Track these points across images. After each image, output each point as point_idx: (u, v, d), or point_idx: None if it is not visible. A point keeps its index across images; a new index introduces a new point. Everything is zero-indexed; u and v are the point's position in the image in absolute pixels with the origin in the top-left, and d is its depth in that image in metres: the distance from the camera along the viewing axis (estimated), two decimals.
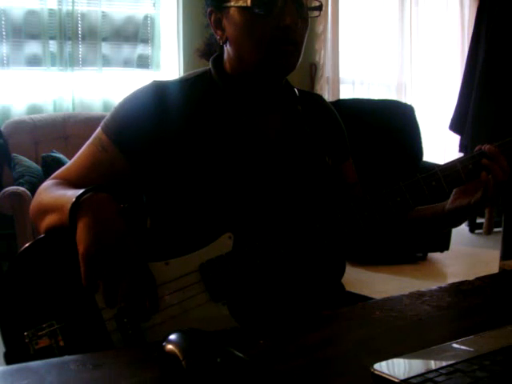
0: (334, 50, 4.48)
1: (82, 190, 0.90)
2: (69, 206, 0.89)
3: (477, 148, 1.00)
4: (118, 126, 1.03)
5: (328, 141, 1.14)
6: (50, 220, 0.97)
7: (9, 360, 0.91)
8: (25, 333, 0.90)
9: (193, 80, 1.08)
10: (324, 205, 1.03)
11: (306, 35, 1.03)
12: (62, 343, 0.90)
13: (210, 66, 1.09)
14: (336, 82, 4.54)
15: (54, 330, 0.90)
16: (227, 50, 1.06)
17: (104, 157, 1.03)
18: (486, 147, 0.99)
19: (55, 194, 0.98)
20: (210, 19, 1.06)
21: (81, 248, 0.85)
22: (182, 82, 1.08)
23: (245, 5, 0.98)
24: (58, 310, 0.91)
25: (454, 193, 1.03)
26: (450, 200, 1.05)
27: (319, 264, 1.04)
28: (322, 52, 4.44)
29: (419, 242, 1.20)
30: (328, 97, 4.42)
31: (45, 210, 0.99)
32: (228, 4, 1.01)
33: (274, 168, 1.04)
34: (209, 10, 1.05)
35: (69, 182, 1.03)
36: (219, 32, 1.05)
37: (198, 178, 0.99)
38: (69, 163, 1.08)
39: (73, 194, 0.91)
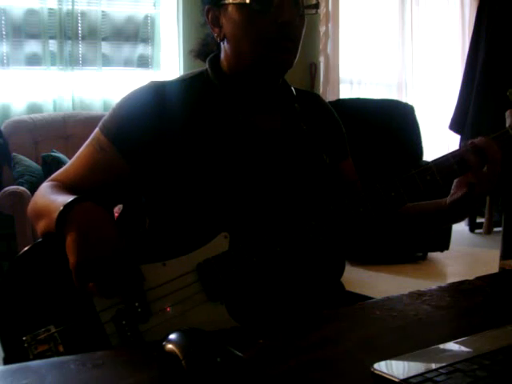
0: (334, 50, 4.48)
1: (69, 199, 0.90)
2: (56, 214, 0.89)
3: (469, 141, 1.01)
4: (117, 126, 1.03)
5: (326, 139, 1.14)
6: (42, 225, 0.97)
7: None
8: (23, 337, 0.90)
9: (190, 80, 1.08)
10: (320, 202, 1.03)
11: (303, 32, 1.03)
12: (61, 347, 0.90)
13: (207, 65, 1.09)
14: (336, 81, 4.54)
15: (52, 334, 0.90)
16: (224, 47, 1.06)
17: (102, 157, 1.03)
18: (479, 140, 0.99)
19: (48, 198, 0.98)
20: (208, 17, 1.06)
21: (71, 258, 0.85)
22: (180, 82, 1.08)
23: (243, 2, 0.98)
24: (56, 313, 0.91)
25: (453, 186, 1.04)
26: (450, 194, 1.05)
27: (317, 262, 1.04)
28: (323, 52, 4.43)
29: (421, 240, 1.20)
30: (328, 96, 4.42)
31: (38, 214, 0.99)
32: (226, 1, 1.01)
33: (270, 166, 1.04)
34: (206, 7, 1.06)
35: (67, 184, 1.03)
36: (216, 29, 1.05)
37: (195, 178, 0.99)
38: (67, 164, 1.09)
39: (62, 201, 0.91)
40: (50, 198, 0.98)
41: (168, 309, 0.92)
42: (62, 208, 0.89)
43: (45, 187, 1.04)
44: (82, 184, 1.02)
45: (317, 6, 1.05)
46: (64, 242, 0.88)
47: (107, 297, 0.87)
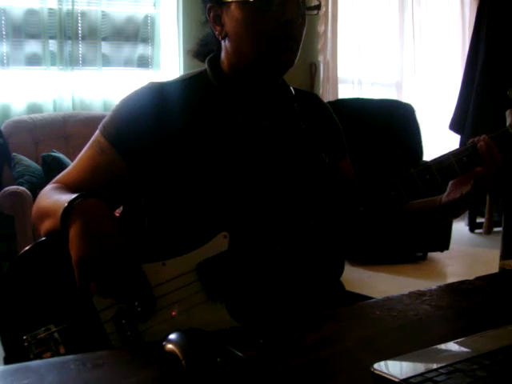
0: (334, 50, 4.48)
1: (73, 196, 0.91)
2: (61, 211, 0.90)
3: (470, 141, 1.01)
4: (116, 128, 1.03)
5: (324, 138, 1.14)
6: (46, 225, 0.97)
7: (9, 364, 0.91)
8: (24, 337, 0.90)
9: (189, 80, 1.09)
10: (320, 202, 1.03)
11: (304, 32, 1.04)
12: (61, 346, 0.90)
13: (206, 66, 1.09)
14: (336, 81, 4.54)
15: (52, 333, 0.90)
16: (225, 46, 1.06)
17: (103, 159, 1.03)
18: (479, 139, 1.00)
19: (52, 198, 0.99)
20: (209, 15, 1.06)
21: (73, 253, 0.85)
22: (179, 82, 1.09)
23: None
24: (56, 313, 0.92)
25: (449, 185, 1.04)
26: (446, 192, 1.05)
27: (317, 262, 1.04)
28: (322, 51, 4.43)
29: (419, 238, 1.20)
30: (328, 96, 4.42)
31: (42, 215, 1.00)
32: None
33: (269, 166, 1.04)
34: (208, 5, 1.06)
35: (69, 186, 1.04)
36: (218, 28, 1.05)
37: (195, 178, 0.99)
38: (69, 167, 1.09)
39: (66, 199, 0.92)
40: (54, 197, 0.98)
41: (168, 309, 0.92)
42: (66, 204, 0.90)
43: (48, 189, 1.04)
44: (84, 186, 1.02)
45: (318, 7, 1.05)
46: (67, 240, 0.88)
47: (106, 296, 0.87)
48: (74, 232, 0.87)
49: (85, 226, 0.87)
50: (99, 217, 0.89)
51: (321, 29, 4.38)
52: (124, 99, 1.06)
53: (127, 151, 1.02)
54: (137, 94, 1.05)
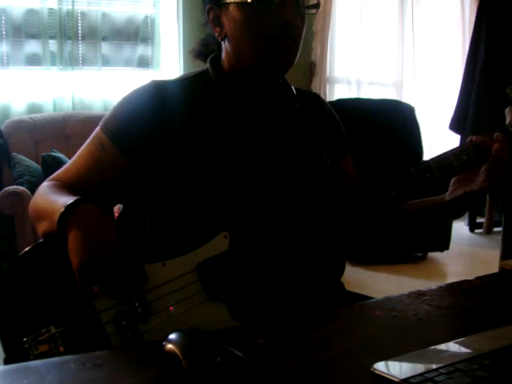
0: (334, 50, 4.47)
1: (70, 200, 0.91)
2: (57, 215, 0.90)
3: (468, 139, 1.01)
4: (118, 125, 1.03)
5: (326, 138, 1.14)
6: (43, 226, 0.98)
7: None
8: (24, 338, 0.90)
9: (191, 79, 1.09)
10: (320, 201, 1.03)
11: (304, 32, 1.04)
12: (61, 348, 0.90)
13: (208, 65, 1.09)
14: (336, 81, 4.54)
15: (53, 334, 0.90)
16: (225, 47, 1.06)
17: (103, 156, 1.03)
18: (480, 138, 1.00)
19: (49, 198, 0.99)
20: (209, 16, 1.06)
21: (74, 260, 0.86)
22: (180, 81, 1.09)
23: (244, 0, 0.99)
24: (56, 314, 0.92)
25: (452, 183, 1.04)
26: (448, 191, 1.05)
27: (317, 262, 1.04)
28: (322, 51, 4.43)
29: (420, 237, 1.21)
30: (328, 96, 4.42)
31: (39, 215, 1.00)
32: (227, 0, 1.01)
33: (270, 166, 1.04)
34: (207, 7, 1.06)
35: (67, 183, 1.04)
36: (218, 29, 1.05)
37: (195, 177, 0.99)
38: (68, 163, 1.09)
39: (63, 202, 0.91)
40: (51, 198, 0.98)
41: (168, 309, 0.92)
42: (63, 209, 0.89)
43: (45, 187, 1.04)
44: (83, 183, 1.02)
45: (317, 6, 1.05)
46: (65, 244, 0.88)
47: (111, 297, 0.87)
48: (72, 238, 0.87)
49: (84, 232, 0.87)
50: (97, 220, 0.89)
51: (320, 28, 4.37)
52: (126, 97, 1.06)
53: (128, 149, 1.02)
54: (138, 91, 1.05)
